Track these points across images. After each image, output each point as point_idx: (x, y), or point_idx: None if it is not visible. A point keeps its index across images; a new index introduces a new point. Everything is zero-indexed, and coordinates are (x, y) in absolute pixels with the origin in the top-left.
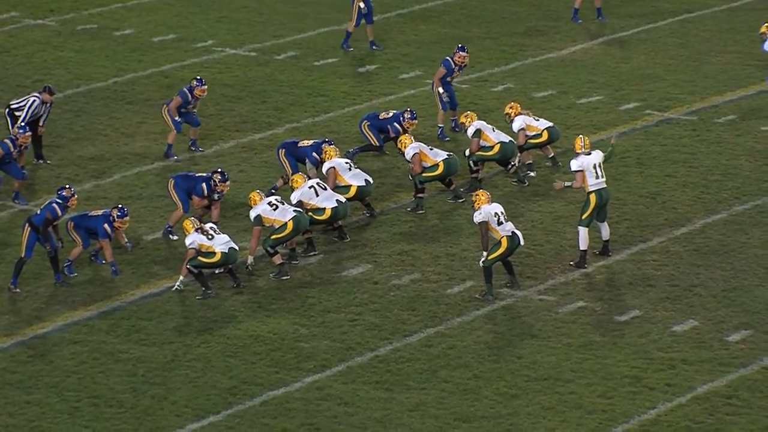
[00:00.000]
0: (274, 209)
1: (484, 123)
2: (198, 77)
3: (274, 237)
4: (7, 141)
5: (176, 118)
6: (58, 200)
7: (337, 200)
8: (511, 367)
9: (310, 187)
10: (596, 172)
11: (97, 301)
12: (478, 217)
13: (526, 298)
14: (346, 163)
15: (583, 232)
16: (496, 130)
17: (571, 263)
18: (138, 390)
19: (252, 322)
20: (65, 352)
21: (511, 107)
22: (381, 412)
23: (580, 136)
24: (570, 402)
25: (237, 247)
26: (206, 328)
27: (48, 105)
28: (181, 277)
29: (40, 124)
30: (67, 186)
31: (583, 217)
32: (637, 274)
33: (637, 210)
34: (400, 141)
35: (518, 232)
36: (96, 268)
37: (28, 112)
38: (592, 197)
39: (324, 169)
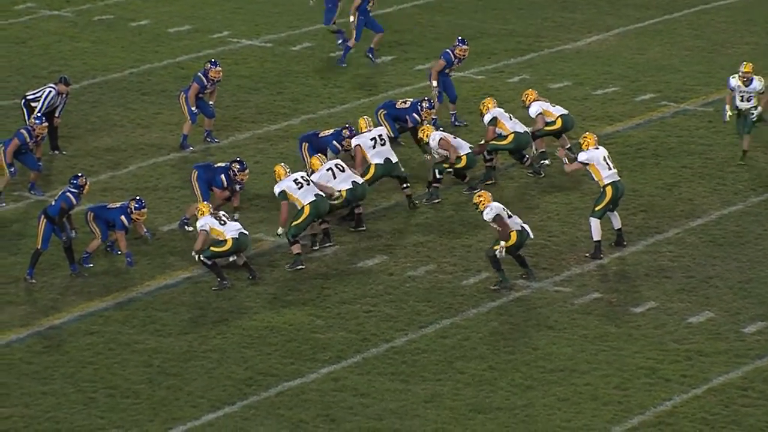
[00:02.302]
0: (299, 188)
1: (502, 111)
2: (212, 59)
3: (294, 224)
4: (24, 131)
5: (192, 108)
6: (72, 189)
7: (353, 181)
8: (527, 359)
9: (327, 170)
10: (607, 164)
11: (113, 292)
12: (490, 214)
13: (541, 289)
14: (372, 139)
15: (595, 223)
16: (514, 119)
17: (587, 255)
18: (154, 381)
19: (267, 313)
20: (81, 342)
21: (526, 95)
22: (396, 403)
23: (586, 134)
24: (585, 393)
25: (247, 233)
26: (222, 319)
27: (64, 96)
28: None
29: (56, 115)
30: (80, 174)
31: (597, 208)
32: (653, 265)
33: (653, 201)
34: (422, 130)
35: (527, 226)
36: (112, 259)
37: (44, 103)
38: (609, 189)
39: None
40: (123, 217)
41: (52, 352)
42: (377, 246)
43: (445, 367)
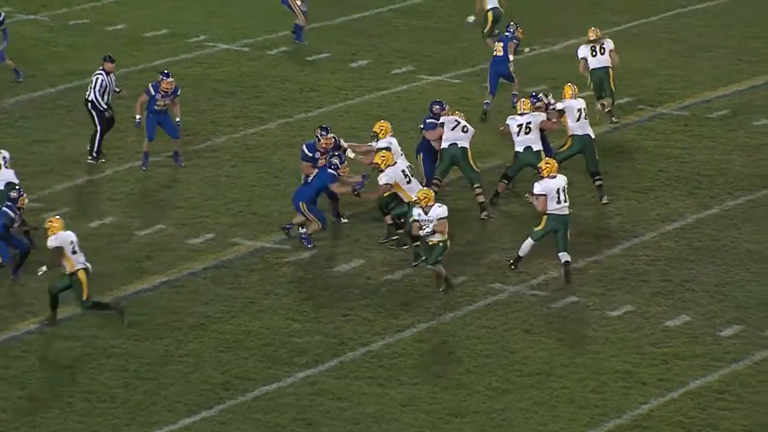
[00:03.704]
0: (408, 182)
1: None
2: (164, 71)
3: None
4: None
5: (138, 117)
6: (8, 203)
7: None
8: (504, 362)
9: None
10: (558, 197)
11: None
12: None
13: (518, 293)
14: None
15: (527, 242)
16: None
17: (510, 261)
18: (130, 385)
19: (244, 318)
20: (57, 347)
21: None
22: (373, 407)
23: (548, 159)
24: (562, 397)
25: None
26: (198, 324)
27: (113, 74)
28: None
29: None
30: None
31: (536, 229)
32: (630, 269)
33: (629, 205)
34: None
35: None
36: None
37: (95, 88)
38: (545, 219)
39: (379, 145)
40: (7, 210)
41: (29, 356)
42: (354, 251)
43: (422, 371)
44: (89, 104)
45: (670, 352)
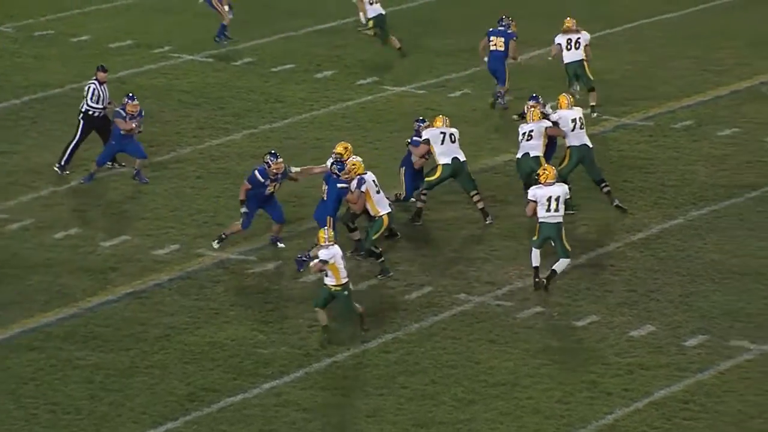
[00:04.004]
0: (377, 192)
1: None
2: (129, 93)
3: (374, 237)
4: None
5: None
6: None
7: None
8: (469, 373)
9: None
10: (548, 205)
11: (54, 308)
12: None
13: (483, 303)
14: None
15: (533, 252)
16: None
17: (537, 282)
18: (95, 397)
19: (210, 329)
20: (22, 359)
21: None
22: (339, 418)
23: (546, 167)
24: (528, 407)
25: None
26: (164, 335)
27: (105, 84)
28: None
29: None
30: None
31: (533, 238)
32: (595, 279)
33: (594, 215)
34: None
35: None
36: (55, 274)
37: (88, 98)
38: (537, 227)
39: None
40: None
41: None
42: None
43: (387, 382)
44: (82, 114)
45: (635, 362)
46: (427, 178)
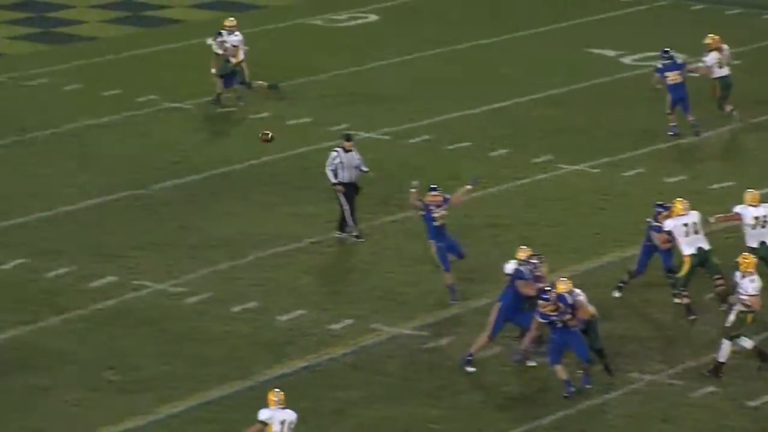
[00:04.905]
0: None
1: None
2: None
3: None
4: None
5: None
6: None
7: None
8: None
9: (684, 225)
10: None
11: (230, 380)
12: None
13: (655, 381)
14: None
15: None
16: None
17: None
18: None
19: (383, 403)
20: (199, 431)
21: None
22: None
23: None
24: None
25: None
26: (338, 408)
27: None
28: None
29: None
30: None
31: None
32: None
33: None
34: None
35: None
36: (230, 348)
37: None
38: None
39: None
40: None
41: None
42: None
43: None
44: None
45: None
46: (678, 275)
